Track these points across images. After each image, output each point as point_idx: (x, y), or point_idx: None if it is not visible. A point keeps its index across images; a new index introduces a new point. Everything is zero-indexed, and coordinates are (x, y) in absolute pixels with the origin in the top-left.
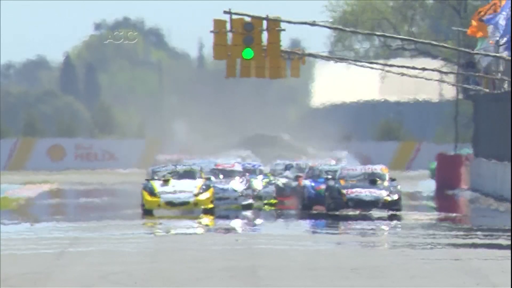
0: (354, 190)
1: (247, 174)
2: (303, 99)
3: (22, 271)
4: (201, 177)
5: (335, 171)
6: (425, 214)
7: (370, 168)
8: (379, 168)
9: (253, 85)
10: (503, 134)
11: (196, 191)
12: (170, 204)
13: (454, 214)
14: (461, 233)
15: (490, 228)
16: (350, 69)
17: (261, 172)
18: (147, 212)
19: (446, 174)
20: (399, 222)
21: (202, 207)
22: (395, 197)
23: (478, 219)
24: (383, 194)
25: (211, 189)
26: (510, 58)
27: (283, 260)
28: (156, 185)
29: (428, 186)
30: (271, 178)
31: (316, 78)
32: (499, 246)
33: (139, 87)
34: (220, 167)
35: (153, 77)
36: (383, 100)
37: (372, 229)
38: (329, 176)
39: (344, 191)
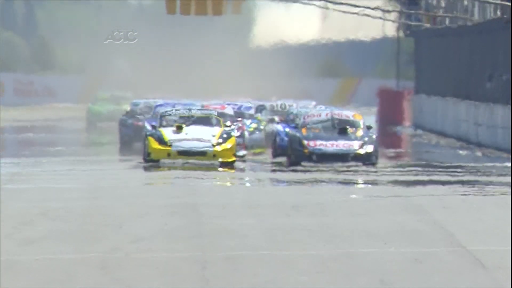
0: (318, 141)
1: (240, 118)
2: (243, 41)
3: None
4: (219, 125)
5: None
6: None
7: (339, 113)
8: (350, 114)
9: (193, 26)
10: (444, 70)
11: (214, 140)
12: (184, 153)
13: (396, 150)
14: (403, 169)
15: (431, 164)
16: (291, 8)
17: (250, 116)
18: (152, 162)
19: (388, 110)
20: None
21: (221, 159)
22: (369, 149)
23: (420, 154)
24: (355, 146)
25: (233, 139)
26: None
27: (224, 197)
28: (166, 132)
29: (369, 122)
30: (263, 122)
31: (257, 19)
32: (441, 182)
33: (79, 25)
34: None
35: (92, 14)
36: (324, 39)
37: (314, 166)
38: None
39: (306, 142)
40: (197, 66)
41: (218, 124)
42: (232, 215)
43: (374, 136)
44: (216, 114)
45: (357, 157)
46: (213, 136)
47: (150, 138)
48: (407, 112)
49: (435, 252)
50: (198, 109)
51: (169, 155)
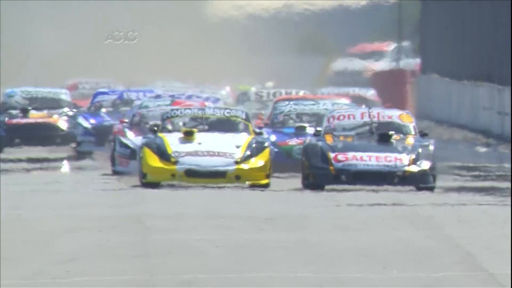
0: (349, 154)
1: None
2: (201, 10)
3: None
4: (247, 130)
5: (316, 114)
6: None
7: (379, 113)
8: (396, 115)
9: None
10: (459, 44)
11: (239, 154)
12: (195, 174)
13: None
14: None
15: (443, 165)
16: None
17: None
18: (150, 186)
19: (384, 95)
20: None
21: (248, 182)
22: (424, 165)
23: None
24: (403, 160)
25: (266, 152)
26: None
27: (178, 206)
28: (170, 140)
29: None
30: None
31: None
32: (455, 189)
33: None
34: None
35: None
36: (301, 4)
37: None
38: (304, 124)
39: (332, 156)
40: (145, 42)
41: (246, 129)
42: (188, 229)
43: (431, 147)
44: (243, 116)
45: (407, 177)
46: (238, 147)
47: (146, 149)
48: (410, 98)
49: (449, 277)
50: (215, 108)
51: (173, 176)
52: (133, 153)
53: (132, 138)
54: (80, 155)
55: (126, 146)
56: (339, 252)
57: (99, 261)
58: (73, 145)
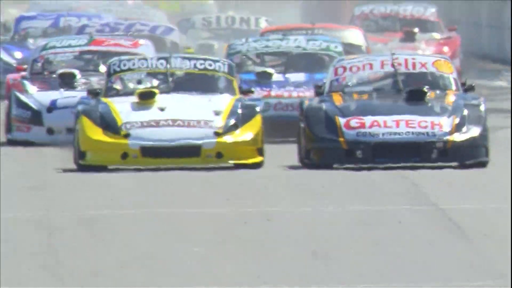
0: (367, 119)
1: None
2: None
3: None
4: (230, 89)
5: (285, 54)
6: None
7: (407, 60)
8: (429, 61)
9: None
10: None
11: (219, 122)
12: (156, 153)
13: None
14: None
15: None
16: None
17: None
18: (92, 169)
19: (317, 12)
20: None
21: (233, 161)
22: (473, 133)
23: None
24: (443, 126)
25: (257, 120)
26: None
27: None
28: (119, 107)
29: None
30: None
31: None
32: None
33: None
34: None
35: None
36: None
37: None
38: (270, 70)
39: (342, 122)
40: None
41: (228, 87)
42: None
43: (482, 107)
44: (225, 69)
45: (450, 150)
46: (217, 114)
47: (84, 119)
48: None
49: (395, 210)
50: (183, 57)
51: (125, 156)
52: (36, 116)
53: (34, 94)
54: None
55: (26, 106)
56: (266, 184)
57: None
58: None
